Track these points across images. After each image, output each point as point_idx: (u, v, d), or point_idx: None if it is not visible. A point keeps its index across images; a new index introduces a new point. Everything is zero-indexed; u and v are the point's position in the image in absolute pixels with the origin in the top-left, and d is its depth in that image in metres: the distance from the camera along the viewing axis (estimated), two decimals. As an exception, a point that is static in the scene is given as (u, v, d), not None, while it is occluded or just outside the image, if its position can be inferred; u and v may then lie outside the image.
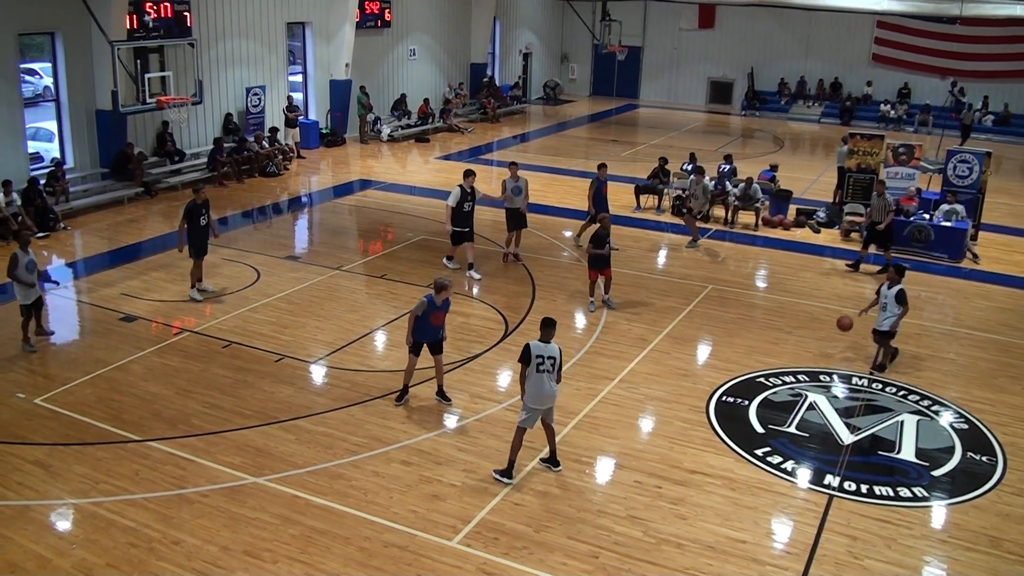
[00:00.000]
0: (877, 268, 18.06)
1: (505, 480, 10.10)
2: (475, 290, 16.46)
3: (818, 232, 21.11)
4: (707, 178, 20.79)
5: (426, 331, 11.72)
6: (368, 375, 12.91)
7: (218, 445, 10.88)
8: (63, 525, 9.42)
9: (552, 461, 10.48)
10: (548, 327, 10.25)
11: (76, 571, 8.57)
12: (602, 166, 18.95)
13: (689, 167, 23.23)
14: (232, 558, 8.79)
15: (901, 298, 13.21)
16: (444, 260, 17.42)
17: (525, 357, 10.04)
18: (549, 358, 10.04)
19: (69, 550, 8.91)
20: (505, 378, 12.99)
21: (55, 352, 13.85)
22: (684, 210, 20.62)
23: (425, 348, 11.88)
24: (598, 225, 18.38)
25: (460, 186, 16.67)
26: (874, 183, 21.01)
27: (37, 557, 8.78)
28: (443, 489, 10.02)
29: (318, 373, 13.12)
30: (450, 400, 12.00)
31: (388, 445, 10.97)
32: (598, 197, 18.66)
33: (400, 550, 8.96)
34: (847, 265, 18.35)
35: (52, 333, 14.07)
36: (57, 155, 21.99)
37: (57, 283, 15.72)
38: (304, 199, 24.20)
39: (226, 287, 16.00)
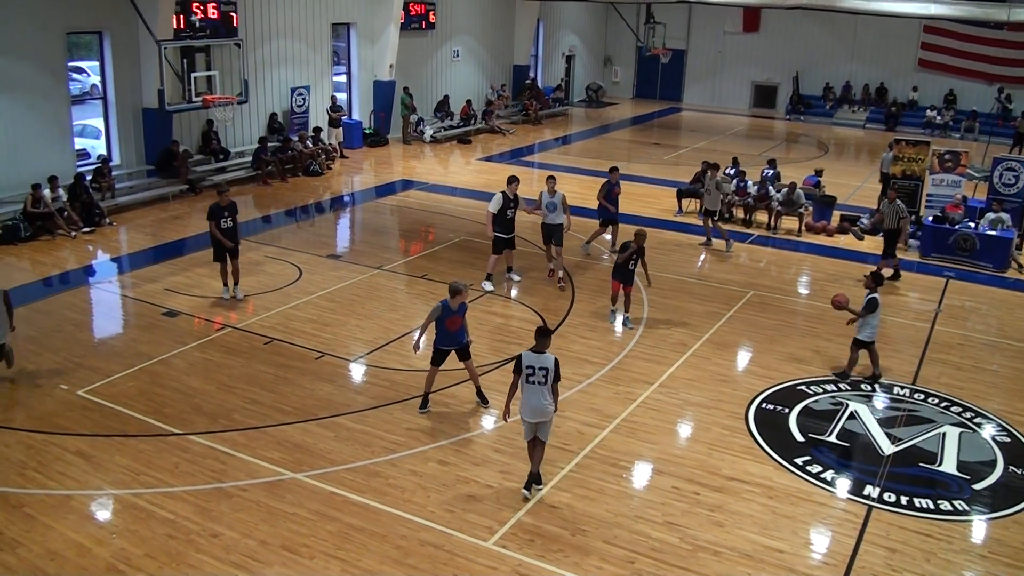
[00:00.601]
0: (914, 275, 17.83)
1: (524, 491, 9.91)
2: (514, 291, 16.45)
3: (862, 239, 20.87)
4: (720, 174, 20.52)
5: (446, 337, 11.60)
6: (407, 374, 12.95)
7: (258, 440, 10.98)
8: (103, 515, 9.55)
9: (533, 479, 9.98)
10: (543, 336, 9.76)
11: (115, 560, 8.69)
12: (614, 169, 18.85)
13: (732, 171, 23.08)
14: (270, 552, 8.86)
15: (870, 305, 13.04)
16: (484, 284, 16.48)
17: (517, 367, 9.76)
18: (541, 369, 9.61)
19: (109, 540, 9.04)
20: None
21: (98, 345, 14.06)
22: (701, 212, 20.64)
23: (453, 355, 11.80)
24: (609, 229, 18.81)
25: (503, 192, 16.33)
26: (918, 190, 20.84)
27: (77, 546, 8.91)
28: (480, 490, 10.02)
29: (358, 371, 13.20)
30: (488, 402, 12.01)
31: (426, 444, 11.00)
32: (609, 199, 18.54)
33: (436, 549, 8.98)
34: (888, 277, 18.01)
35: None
36: (103, 152, 22.33)
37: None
38: (346, 198, 24.37)
39: (247, 295, 15.77)
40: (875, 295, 13.14)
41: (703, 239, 20.08)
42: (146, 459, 10.52)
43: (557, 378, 9.74)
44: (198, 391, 12.28)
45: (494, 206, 16.20)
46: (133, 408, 11.72)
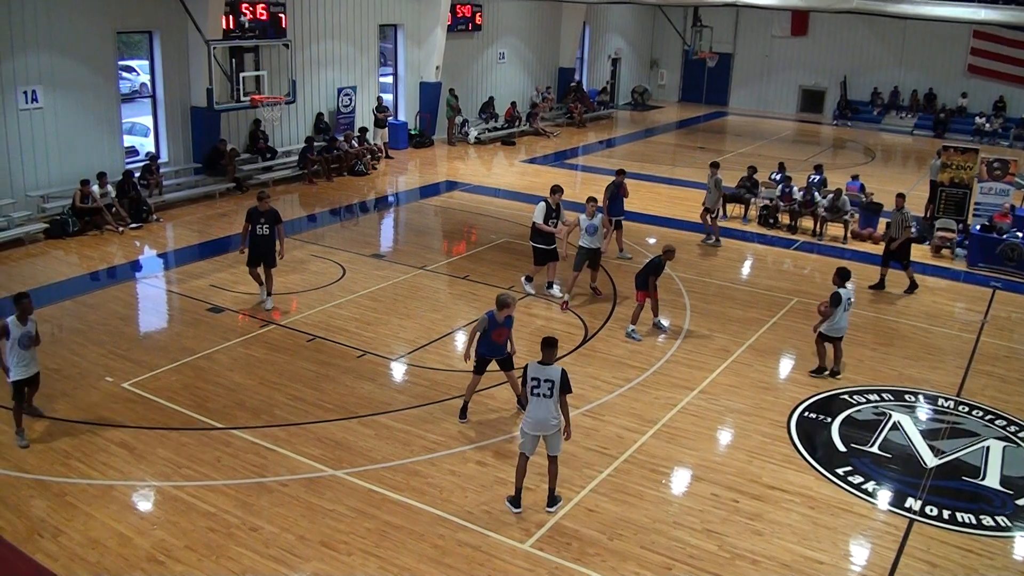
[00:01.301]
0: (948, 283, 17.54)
1: (513, 509, 9.69)
2: (556, 292, 16.41)
3: (908, 247, 20.59)
4: (719, 173, 20.33)
5: (491, 348, 11.52)
6: (448, 374, 13.00)
7: (299, 436, 11.08)
8: (145, 506, 9.69)
9: (549, 500, 9.77)
10: (549, 347, 9.49)
11: (155, 551, 8.82)
12: (620, 171, 18.81)
13: (778, 176, 22.90)
14: (308, 547, 8.94)
15: (833, 300, 13.03)
16: (523, 280, 16.54)
17: (523, 378, 9.61)
18: (546, 381, 9.33)
19: (149, 530, 9.17)
20: (582, 383, 12.92)
21: (143, 339, 14.26)
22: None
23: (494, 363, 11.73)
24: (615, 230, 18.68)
25: (545, 201, 16.00)
26: (966, 198, 20.53)
27: (118, 535, 9.05)
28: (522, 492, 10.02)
29: (399, 370, 13.26)
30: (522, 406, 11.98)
31: (465, 445, 11.03)
32: (615, 201, 18.38)
33: (473, 550, 9.00)
34: (870, 287, 17.61)
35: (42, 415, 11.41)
36: (152, 149, 22.66)
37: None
38: (391, 198, 24.51)
39: (275, 308, 15.56)
40: (838, 291, 13.08)
41: (711, 238, 20.21)
42: (188, 452, 10.65)
43: (565, 390, 9.43)
44: (241, 386, 12.42)
45: (539, 215, 15.88)
46: (177, 402, 11.89)
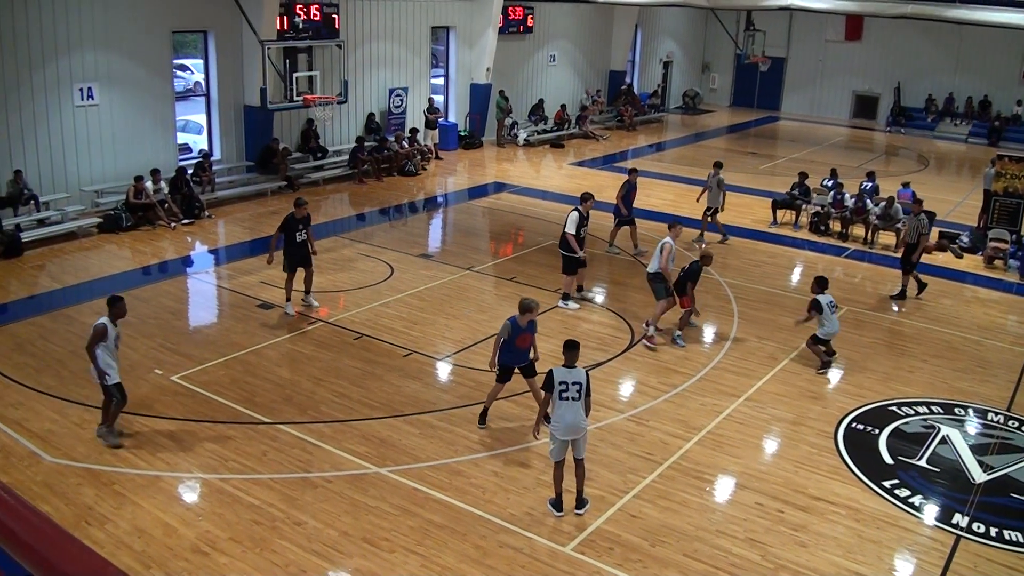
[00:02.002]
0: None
1: (555, 512, 9.66)
2: (599, 298, 16.36)
3: (960, 257, 20.21)
4: (721, 174, 20.32)
5: (515, 355, 11.28)
6: (492, 375, 12.97)
7: (344, 433, 11.16)
8: (191, 497, 9.84)
9: (577, 503, 9.73)
10: (572, 350, 9.54)
11: (200, 542, 8.94)
12: (633, 171, 19.12)
13: (830, 183, 22.63)
14: (351, 543, 9.00)
15: (814, 306, 13.36)
16: (560, 303, 15.91)
17: (548, 384, 9.46)
18: (574, 384, 9.34)
19: (195, 521, 9.30)
20: (627, 387, 12.92)
21: (193, 333, 14.46)
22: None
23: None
24: (627, 228, 18.88)
25: (577, 210, 15.79)
26: (1021, 208, 20.14)
27: (164, 525, 9.19)
28: (565, 496, 9.99)
29: (444, 370, 13.31)
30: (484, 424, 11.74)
31: (508, 446, 11.04)
32: (627, 200, 18.67)
33: (515, 551, 9.00)
34: (891, 296, 17.33)
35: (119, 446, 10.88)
36: (205, 147, 22.98)
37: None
38: (440, 199, 24.61)
39: (321, 306, 15.83)
40: (816, 298, 13.45)
41: (725, 239, 20.28)
42: (235, 446, 10.78)
43: (588, 392, 9.48)
44: (288, 382, 12.54)
45: (572, 226, 15.56)
46: (224, 396, 12.04)
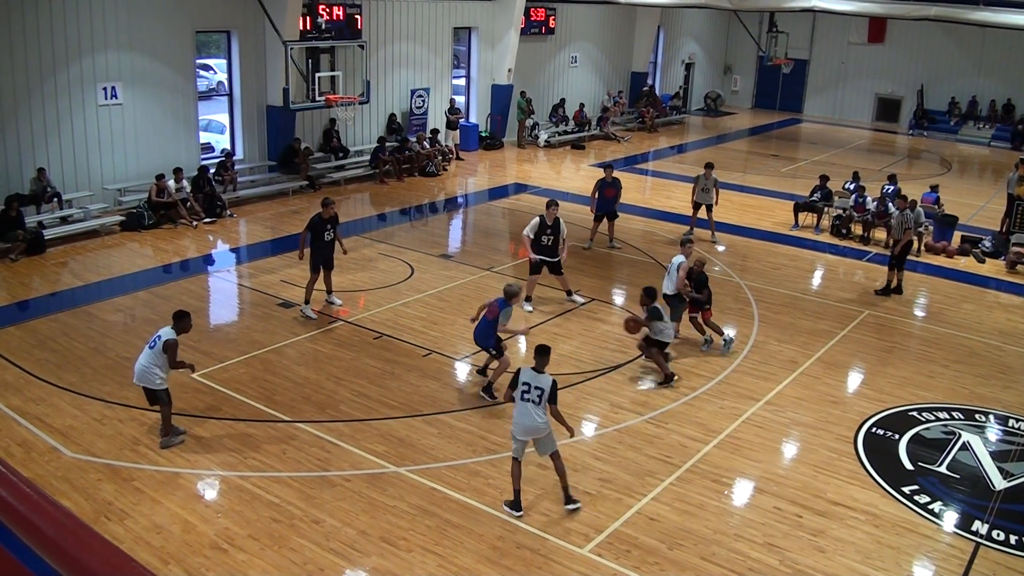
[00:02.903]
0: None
1: (514, 512, 9.62)
2: (619, 300, 16.33)
3: (983, 262, 20.05)
4: (713, 174, 20.27)
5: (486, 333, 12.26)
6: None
7: (363, 432, 11.19)
8: (210, 494, 9.89)
9: (565, 499, 9.76)
10: (542, 355, 9.64)
11: (219, 539, 8.99)
12: (607, 167, 19.23)
13: (851, 186, 22.51)
14: (369, 542, 9.03)
15: (653, 314, 12.88)
16: (524, 306, 15.56)
17: (513, 382, 9.61)
18: (536, 388, 9.41)
19: (214, 518, 9.36)
20: (646, 390, 12.87)
21: (214, 331, 14.53)
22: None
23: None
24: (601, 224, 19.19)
25: (541, 216, 15.62)
26: None
27: (183, 521, 9.25)
28: (577, 496, 9.98)
29: (463, 371, 13.32)
30: (496, 397, 12.11)
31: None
32: (601, 198, 18.91)
33: (532, 552, 9.00)
34: (883, 290, 17.39)
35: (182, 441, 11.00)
36: (227, 146, 23.10)
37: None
38: (460, 200, 24.64)
39: (342, 306, 15.72)
40: (654, 305, 12.92)
41: (715, 239, 20.48)
42: (254, 443, 10.84)
43: (553, 400, 9.51)
44: (308, 381, 12.59)
45: (530, 230, 15.54)
46: (244, 394, 12.10)
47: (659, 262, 18.47)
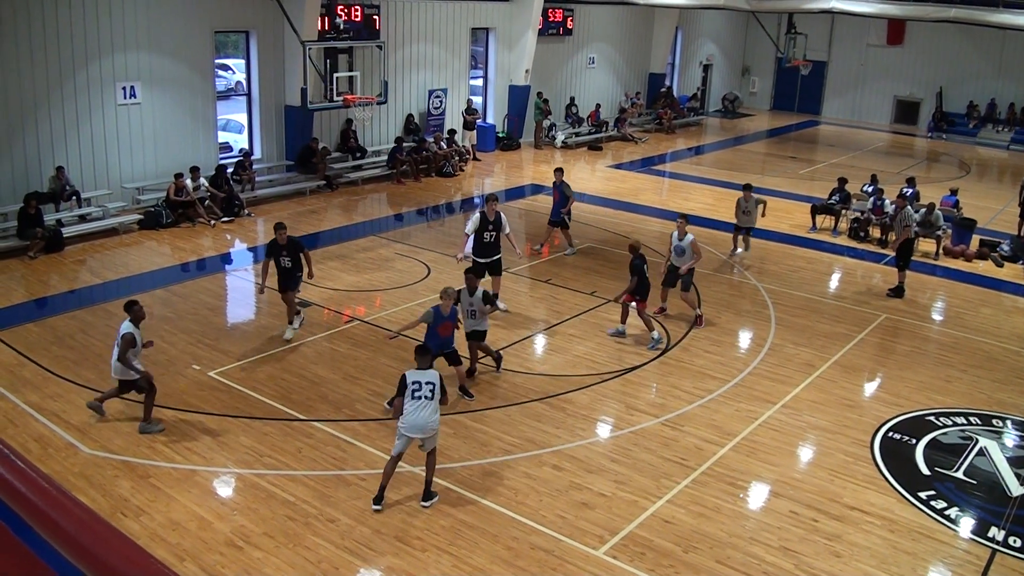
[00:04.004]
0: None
1: (374, 506, 9.57)
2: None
3: (1001, 266, 19.90)
4: (754, 192, 19.79)
5: (437, 343, 11.55)
6: (527, 377, 13.02)
7: (379, 432, 11.21)
8: (225, 492, 9.94)
9: (424, 494, 9.73)
10: (423, 355, 9.67)
11: (234, 536, 9.03)
12: (558, 170, 18.88)
13: (870, 188, 22.40)
14: (383, 541, 9.04)
15: (486, 299, 12.70)
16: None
17: (401, 387, 9.53)
18: (427, 383, 9.42)
19: (229, 516, 9.39)
20: (662, 392, 12.85)
21: (231, 329, 14.59)
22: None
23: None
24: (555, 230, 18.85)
25: (482, 212, 15.19)
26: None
27: (198, 518, 9.29)
28: (592, 498, 9.99)
29: (478, 371, 13.30)
30: (472, 396, 12.15)
31: (541, 448, 11.03)
32: (555, 202, 18.65)
33: (546, 553, 8.99)
34: (888, 292, 17.40)
35: (162, 429, 11.15)
36: (245, 146, 23.20)
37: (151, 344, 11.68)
38: (477, 200, 24.63)
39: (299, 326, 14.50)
40: (484, 289, 12.82)
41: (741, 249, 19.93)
42: (270, 442, 10.87)
43: (443, 392, 9.60)
44: (324, 380, 12.62)
45: (471, 227, 15.15)
46: (261, 392, 12.14)
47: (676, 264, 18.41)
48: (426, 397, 9.44)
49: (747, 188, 19.13)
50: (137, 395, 11.14)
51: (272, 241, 13.84)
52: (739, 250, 19.45)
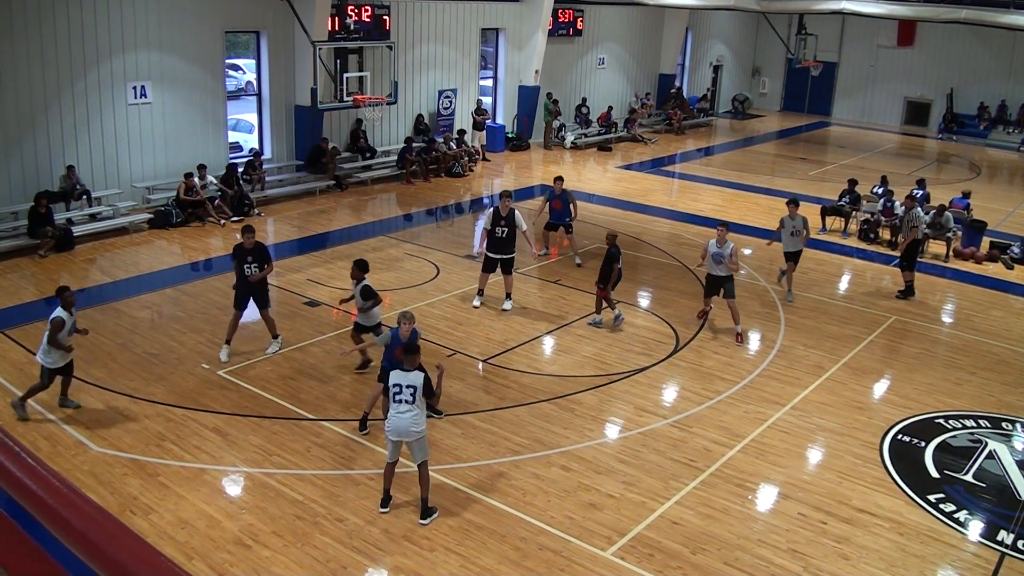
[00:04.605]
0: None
1: (380, 509, 9.55)
2: (645, 303, 16.29)
3: (1011, 268, 19.81)
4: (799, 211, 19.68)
5: (395, 364, 10.51)
6: (535, 377, 13.02)
7: (387, 432, 11.21)
8: (234, 490, 9.96)
9: (422, 512, 9.46)
10: (411, 353, 9.33)
11: (243, 535, 9.05)
12: (558, 179, 18.15)
13: (880, 190, 22.34)
14: (391, 541, 9.05)
15: (364, 293, 12.28)
16: (473, 301, 15.69)
17: (385, 386, 9.50)
18: (408, 387, 9.10)
19: (238, 514, 9.42)
20: (671, 393, 12.85)
21: (240, 328, 14.57)
22: None
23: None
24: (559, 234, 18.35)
25: (495, 208, 15.26)
26: None
27: (207, 517, 9.32)
28: (600, 499, 9.99)
29: (487, 371, 13.32)
30: (441, 413, 11.66)
31: (550, 449, 11.03)
32: (550, 209, 18.08)
33: (554, 554, 8.99)
34: (898, 294, 17.35)
35: (78, 407, 11.47)
36: (255, 146, 23.25)
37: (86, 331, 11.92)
38: (486, 200, 24.64)
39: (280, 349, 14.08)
40: (364, 283, 12.32)
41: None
42: (279, 441, 10.89)
43: (428, 394, 9.24)
44: (333, 379, 12.64)
45: (486, 222, 15.28)
46: (270, 391, 12.16)
47: (685, 264, 18.43)
48: (406, 401, 9.13)
49: (793, 203, 16.84)
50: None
51: (238, 245, 13.18)
52: (788, 291, 17.04)
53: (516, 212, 15.29)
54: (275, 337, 13.56)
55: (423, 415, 9.31)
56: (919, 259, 17.62)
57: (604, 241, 14.92)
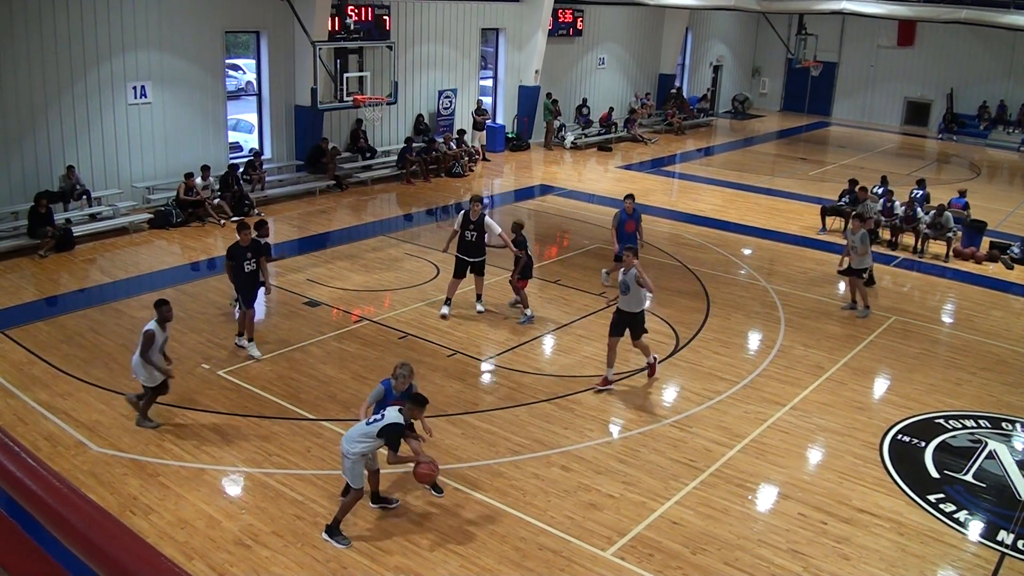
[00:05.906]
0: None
1: (371, 504, 9.52)
2: (647, 303, 16.29)
3: (1011, 268, 19.81)
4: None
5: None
6: (535, 378, 13.02)
7: (386, 433, 11.20)
8: (234, 490, 9.96)
9: (327, 526, 9.08)
10: (416, 404, 8.98)
11: (243, 535, 9.05)
12: (628, 197, 16.68)
13: (880, 190, 22.34)
14: (392, 542, 9.05)
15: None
16: (441, 309, 15.26)
17: (377, 406, 9.36)
18: (380, 418, 8.77)
19: (238, 514, 9.41)
20: (671, 393, 12.85)
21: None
22: None
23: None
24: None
25: (465, 211, 15.07)
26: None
27: (207, 517, 9.32)
28: (601, 499, 9.99)
29: (487, 371, 13.33)
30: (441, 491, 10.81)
31: (550, 449, 11.03)
32: (620, 232, 16.39)
33: (554, 554, 8.99)
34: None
35: (158, 426, 11.12)
36: (255, 146, 23.25)
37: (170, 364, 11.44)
38: (485, 200, 24.62)
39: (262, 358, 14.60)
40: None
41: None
42: (279, 441, 10.89)
43: (389, 440, 8.71)
44: (333, 379, 12.64)
45: (456, 224, 15.08)
46: (270, 391, 12.16)
47: (686, 265, 18.44)
48: (367, 423, 8.88)
49: (857, 217, 16.19)
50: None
51: (235, 245, 13.11)
52: (857, 307, 16.32)
53: (487, 217, 15.16)
54: (251, 340, 13.38)
55: (370, 446, 8.78)
56: (871, 248, 16.51)
57: (511, 230, 15.10)
